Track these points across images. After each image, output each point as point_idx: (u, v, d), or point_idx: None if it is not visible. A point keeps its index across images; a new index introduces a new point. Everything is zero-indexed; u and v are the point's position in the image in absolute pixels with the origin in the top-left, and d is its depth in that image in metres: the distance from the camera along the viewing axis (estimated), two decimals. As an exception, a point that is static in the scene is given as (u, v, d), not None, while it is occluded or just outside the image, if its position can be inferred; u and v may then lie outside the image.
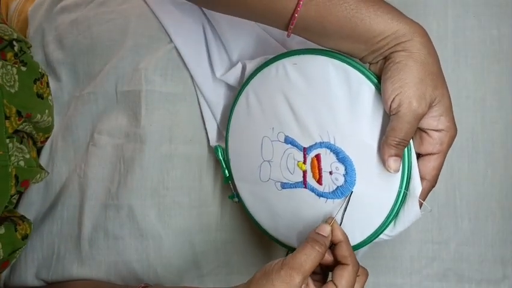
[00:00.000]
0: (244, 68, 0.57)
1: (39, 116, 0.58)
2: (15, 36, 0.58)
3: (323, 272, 0.47)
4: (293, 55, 0.50)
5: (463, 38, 0.62)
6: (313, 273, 0.45)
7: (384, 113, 0.45)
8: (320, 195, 0.49)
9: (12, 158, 0.53)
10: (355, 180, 0.47)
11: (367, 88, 0.45)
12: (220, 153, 0.59)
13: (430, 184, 0.46)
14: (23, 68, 0.57)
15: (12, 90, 0.54)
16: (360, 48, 0.45)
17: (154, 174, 0.59)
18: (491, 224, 0.62)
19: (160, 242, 0.59)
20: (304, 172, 0.50)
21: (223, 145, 0.59)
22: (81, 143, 0.62)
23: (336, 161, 0.47)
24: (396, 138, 0.43)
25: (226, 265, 0.63)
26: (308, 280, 0.43)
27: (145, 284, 0.53)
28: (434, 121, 0.44)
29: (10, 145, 0.53)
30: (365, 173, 0.46)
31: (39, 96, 0.60)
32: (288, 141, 0.51)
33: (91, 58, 0.63)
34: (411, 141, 0.44)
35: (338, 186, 0.48)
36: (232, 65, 0.60)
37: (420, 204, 0.45)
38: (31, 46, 0.64)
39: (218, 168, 0.62)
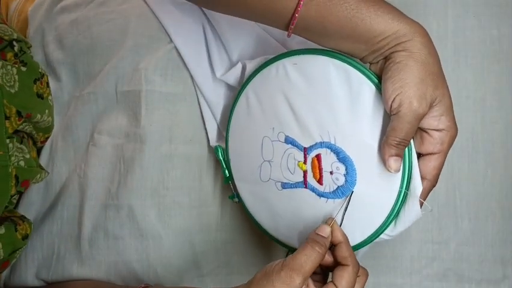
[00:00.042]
0: (244, 68, 0.57)
1: (39, 116, 0.58)
2: (15, 36, 0.58)
3: (323, 272, 0.47)
4: (293, 55, 0.50)
5: (463, 38, 0.62)
6: (314, 274, 0.45)
7: (385, 112, 0.45)
8: (321, 195, 0.49)
9: (13, 158, 0.53)
10: (356, 180, 0.47)
11: (368, 88, 0.45)
12: (220, 153, 0.59)
13: (431, 184, 0.46)
14: (23, 68, 0.57)
15: (12, 91, 0.53)
16: (360, 48, 0.45)
17: (154, 174, 0.59)
18: (491, 224, 0.62)
19: (160, 242, 0.59)
20: (305, 172, 0.50)
21: (223, 145, 0.59)
22: (81, 143, 0.62)
23: (337, 160, 0.47)
24: (396, 138, 0.43)
25: (226, 265, 0.63)
26: (308, 281, 0.43)
27: (145, 284, 0.53)
28: (435, 121, 0.44)
29: (10, 145, 0.53)
30: (366, 173, 0.46)
31: (39, 96, 0.60)
32: (289, 141, 0.51)
33: (91, 58, 0.63)
34: (411, 141, 0.44)
35: (338, 186, 0.48)
36: (232, 65, 0.60)
37: (421, 204, 0.45)
38: (31, 46, 0.64)
39: (218, 168, 0.61)
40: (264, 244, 0.63)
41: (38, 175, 0.58)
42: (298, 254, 0.42)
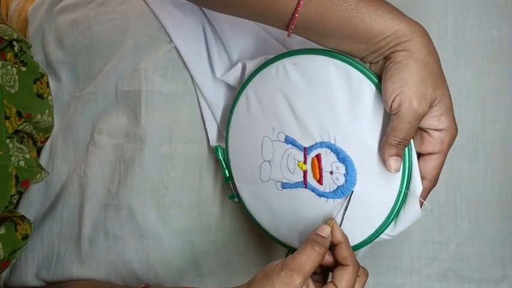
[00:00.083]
0: (244, 68, 0.57)
1: (39, 116, 0.58)
2: (15, 36, 0.58)
3: (323, 272, 0.47)
4: (293, 55, 0.50)
5: (463, 38, 0.62)
6: (314, 274, 0.45)
7: (385, 112, 0.45)
8: (321, 195, 0.49)
9: (13, 158, 0.53)
10: (356, 180, 0.47)
11: (368, 88, 0.45)
12: (220, 153, 0.59)
13: (431, 184, 0.46)
14: (23, 68, 0.57)
15: (12, 91, 0.53)
16: (360, 48, 0.45)
17: (154, 174, 0.59)
18: (491, 224, 0.62)
19: (160, 242, 0.59)
20: (305, 172, 0.50)
21: (223, 145, 0.59)
22: (81, 143, 0.62)
23: (337, 160, 0.47)
24: (396, 138, 0.43)
25: (227, 265, 0.63)
26: (308, 281, 0.43)
27: (146, 284, 0.53)
28: (435, 121, 0.44)
29: (10, 145, 0.53)
30: (366, 173, 0.46)
31: (39, 96, 0.60)
32: (289, 141, 0.51)
33: (91, 58, 0.63)
34: (411, 140, 0.44)
35: (338, 186, 0.48)
36: (232, 65, 0.60)
37: (421, 204, 0.45)
38: (31, 46, 0.64)
39: (218, 168, 0.61)
40: (264, 244, 0.63)
41: (38, 175, 0.58)
42: (298, 254, 0.42)
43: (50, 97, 0.63)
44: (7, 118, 0.52)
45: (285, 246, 0.55)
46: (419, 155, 0.46)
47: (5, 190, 0.51)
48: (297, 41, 0.57)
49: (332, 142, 0.48)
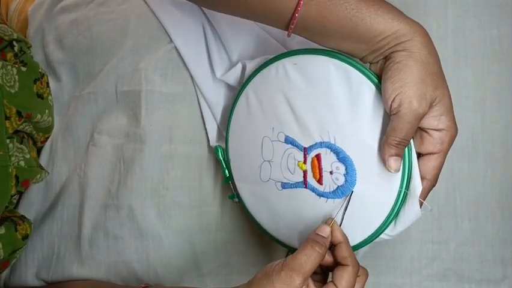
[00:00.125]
0: (244, 68, 0.57)
1: (39, 116, 0.58)
2: (15, 36, 0.58)
3: (323, 272, 0.47)
4: (293, 55, 0.50)
5: (463, 38, 0.62)
6: (314, 274, 0.45)
7: (385, 112, 0.45)
8: (321, 195, 0.49)
9: (13, 158, 0.53)
10: (355, 180, 0.47)
11: (367, 88, 0.45)
12: (220, 154, 0.59)
13: (430, 184, 0.46)
14: (23, 68, 0.57)
15: (13, 91, 0.53)
16: (360, 48, 0.45)
17: (154, 174, 0.59)
18: (491, 224, 0.62)
19: (160, 242, 0.59)
20: (305, 172, 0.50)
21: (223, 145, 0.59)
22: (81, 143, 0.62)
23: (337, 160, 0.47)
24: (396, 138, 0.43)
25: (227, 265, 0.63)
26: (309, 281, 0.43)
27: (146, 284, 0.53)
28: (435, 121, 0.44)
29: (10, 145, 0.53)
30: (366, 173, 0.46)
31: (39, 96, 0.60)
32: (289, 141, 0.51)
33: (91, 58, 0.63)
34: (411, 140, 0.44)
35: (338, 186, 0.48)
36: (232, 65, 0.60)
37: (421, 204, 0.45)
38: (31, 46, 0.64)
39: (218, 168, 0.61)
40: (264, 244, 0.63)
41: (38, 175, 0.58)
42: (298, 254, 0.42)
43: (50, 97, 0.63)
44: (7, 118, 0.52)
45: (285, 246, 0.55)
46: (419, 155, 0.46)
47: (5, 190, 0.51)
48: (297, 41, 0.57)
49: (332, 142, 0.48)
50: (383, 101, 0.44)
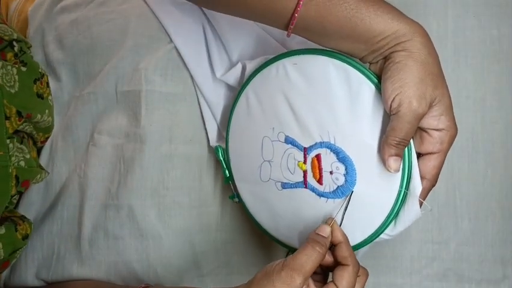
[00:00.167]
0: (244, 68, 0.57)
1: (39, 116, 0.58)
2: (15, 36, 0.58)
3: (324, 272, 0.47)
4: (293, 55, 0.50)
5: (463, 38, 0.62)
6: (314, 274, 0.45)
7: (385, 112, 0.45)
8: (321, 195, 0.49)
9: (13, 158, 0.53)
10: (355, 179, 0.47)
11: (367, 88, 0.46)
12: (220, 154, 0.59)
13: (430, 183, 0.46)
14: (23, 68, 0.57)
15: (13, 91, 0.53)
16: (360, 48, 0.45)
17: (154, 174, 0.59)
18: (491, 224, 0.62)
19: (160, 242, 0.59)
20: (305, 172, 0.50)
21: (224, 145, 0.59)
22: (81, 143, 0.62)
23: (337, 160, 0.47)
24: (396, 138, 0.43)
25: (227, 265, 0.63)
26: (309, 281, 0.43)
27: (146, 284, 0.53)
28: (435, 120, 0.44)
29: (10, 145, 0.53)
30: (366, 173, 0.46)
31: (39, 96, 0.60)
32: (289, 141, 0.51)
33: (91, 58, 0.63)
34: (411, 140, 0.44)
35: (338, 186, 0.48)
36: (232, 65, 0.60)
37: (421, 204, 0.45)
38: (31, 46, 0.64)
39: (218, 168, 0.61)
40: (264, 244, 0.63)
41: (38, 175, 0.58)
42: (298, 254, 0.42)
43: (50, 97, 0.63)
44: (7, 118, 0.52)
45: (285, 246, 0.55)
46: (419, 155, 0.46)
47: (5, 190, 0.51)
48: (297, 41, 0.57)
49: (332, 142, 0.48)
50: (382, 101, 0.44)
